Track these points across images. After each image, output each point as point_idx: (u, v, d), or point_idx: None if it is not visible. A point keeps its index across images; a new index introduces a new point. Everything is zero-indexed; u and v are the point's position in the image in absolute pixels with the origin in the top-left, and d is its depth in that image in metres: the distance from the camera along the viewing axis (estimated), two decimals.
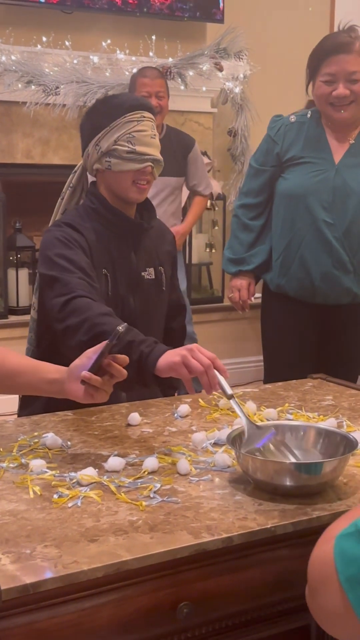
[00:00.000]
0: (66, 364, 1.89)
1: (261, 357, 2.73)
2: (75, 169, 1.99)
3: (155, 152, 1.87)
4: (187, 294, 3.97)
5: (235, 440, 1.45)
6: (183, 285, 3.69)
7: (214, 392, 1.95)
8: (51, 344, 1.92)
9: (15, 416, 2.00)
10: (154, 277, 1.97)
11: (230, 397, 1.49)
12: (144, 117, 1.85)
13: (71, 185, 1.99)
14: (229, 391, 1.49)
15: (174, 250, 2.10)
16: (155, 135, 1.88)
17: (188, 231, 3.89)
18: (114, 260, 1.89)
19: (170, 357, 1.54)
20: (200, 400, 1.91)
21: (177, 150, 3.63)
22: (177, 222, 3.71)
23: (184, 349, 1.52)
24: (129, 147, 1.83)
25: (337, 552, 0.96)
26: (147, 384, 1.61)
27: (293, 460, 1.44)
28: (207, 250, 4.61)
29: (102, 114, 1.87)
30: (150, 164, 1.86)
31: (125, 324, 1.45)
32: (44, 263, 1.83)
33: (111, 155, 1.85)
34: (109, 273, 1.88)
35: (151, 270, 1.97)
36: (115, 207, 1.90)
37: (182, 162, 3.67)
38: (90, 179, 2.00)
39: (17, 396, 2.08)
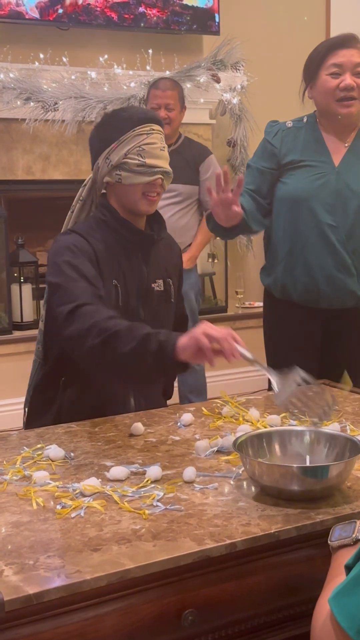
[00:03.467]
0: (74, 377, 1.90)
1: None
2: (85, 182, 1.99)
3: (165, 164, 1.88)
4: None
5: (242, 446, 1.45)
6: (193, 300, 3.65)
7: (217, 401, 1.96)
8: (59, 357, 1.93)
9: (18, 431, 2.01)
10: (163, 289, 1.99)
11: (253, 361, 1.51)
12: (153, 129, 1.87)
13: (81, 198, 1.99)
14: (250, 355, 1.51)
15: (180, 262, 2.12)
16: (164, 147, 1.89)
17: (197, 253, 3.76)
18: (124, 271, 1.91)
19: (188, 334, 1.56)
20: (203, 409, 1.91)
21: (190, 159, 3.62)
22: (190, 237, 3.68)
23: (199, 327, 1.55)
24: (139, 160, 1.84)
25: (337, 612, 0.96)
26: (168, 370, 1.63)
27: (300, 463, 1.44)
28: (210, 260, 4.61)
29: (111, 128, 1.88)
30: (160, 176, 1.87)
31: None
32: (51, 270, 1.83)
33: (121, 169, 1.86)
34: (119, 284, 1.89)
35: (160, 282, 1.98)
36: (125, 219, 1.92)
37: (193, 170, 3.66)
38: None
39: (21, 411, 2.08)
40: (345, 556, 1.07)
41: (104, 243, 1.89)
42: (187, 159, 3.60)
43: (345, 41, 2.40)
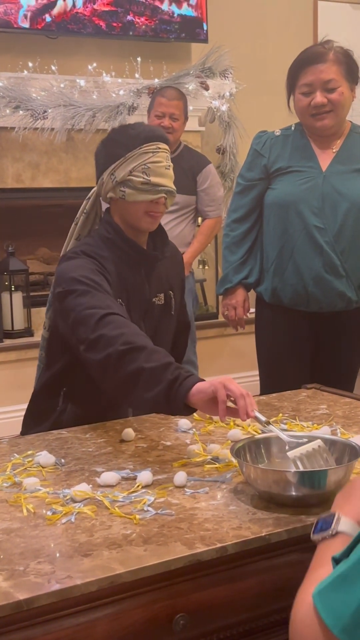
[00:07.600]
0: (76, 389, 1.90)
1: (257, 372, 2.72)
2: (89, 195, 1.99)
3: (169, 182, 1.89)
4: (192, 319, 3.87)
5: (240, 451, 1.45)
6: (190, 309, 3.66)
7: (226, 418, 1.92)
8: (63, 368, 1.93)
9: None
10: (163, 302, 1.99)
11: (267, 423, 1.50)
12: (159, 148, 1.87)
13: (85, 211, 1.99)
14: (263, 418, 1.50)
15: (182, 272, 2.13)
16: (169, 166, 1.89)
17: (191, 260, 3.79)
18: (128, 288, 1.91)
19: (208, 382, 1.52)
20: (194, 414, 1.90)
21: (187, 168, 3.64)
22: (184, 246, 3.69)
23: (220, 378, 1.52)
24: (143, 178, 1.85)
25: (322, 607, 0.94)
26: (172, 405, 1.55)
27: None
28: (200, 267, 4.62)
29: (118, 144, 1.88)
30: (163, 195, 1.88)
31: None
32: (68, 282, 1.76)
33: (126, 185, 1.86)
34: (124, 302, 1.89)
35: (161, 295, 1.99)
36: (129, 237, 1.92)
37: (191, 180, 3.68)
38: (104, 205, 2.00)
39: (11, 420, 2.07)
40: (328, 548, 1.04)
41: (111, 261, 1.89)
42: (185, 168, 3.61)
43: (315, 57, 2.43)
